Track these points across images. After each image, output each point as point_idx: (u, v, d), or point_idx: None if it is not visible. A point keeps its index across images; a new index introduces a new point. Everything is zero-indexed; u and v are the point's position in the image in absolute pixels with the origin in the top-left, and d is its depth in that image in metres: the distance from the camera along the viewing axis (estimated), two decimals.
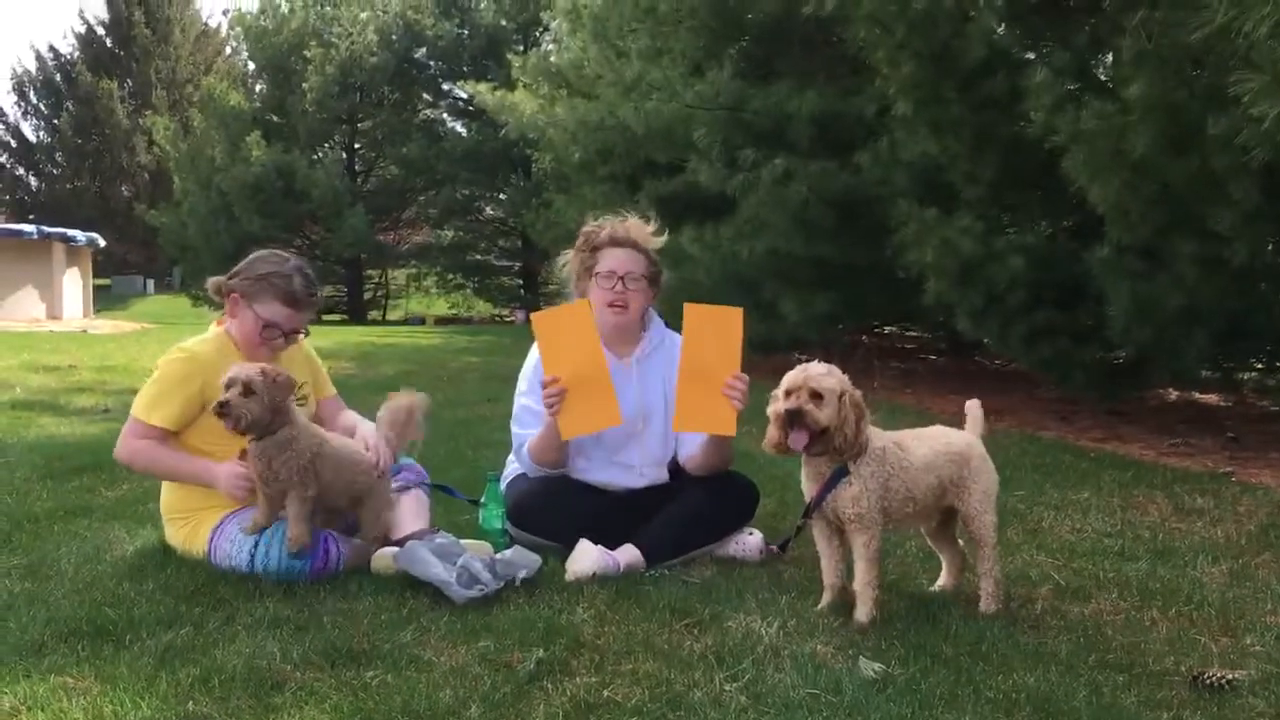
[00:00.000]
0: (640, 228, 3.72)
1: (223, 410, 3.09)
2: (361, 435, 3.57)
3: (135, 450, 3.38)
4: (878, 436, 2.99)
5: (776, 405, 2.92)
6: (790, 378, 2.94)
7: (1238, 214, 5.22)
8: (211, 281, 3.59)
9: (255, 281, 3.47)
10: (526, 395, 3.70)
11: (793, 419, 2.86)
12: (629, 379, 3.71)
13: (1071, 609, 3.09)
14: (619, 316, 3.67)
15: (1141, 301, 5.99)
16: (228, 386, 3.11)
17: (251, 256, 3.58)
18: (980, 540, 3.03)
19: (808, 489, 3.04)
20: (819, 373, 2.91)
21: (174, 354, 3.45)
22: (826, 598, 3.05)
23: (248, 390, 3.10)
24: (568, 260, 3.81)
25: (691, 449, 3.68)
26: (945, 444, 3.07)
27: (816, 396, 2.86)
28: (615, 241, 3.69)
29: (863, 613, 2.89)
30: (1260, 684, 2.51)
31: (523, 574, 3.22)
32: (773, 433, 2.95)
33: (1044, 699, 2.37)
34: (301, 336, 3.60)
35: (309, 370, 3.75)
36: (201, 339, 3.53)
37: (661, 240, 3.76)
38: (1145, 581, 3.32)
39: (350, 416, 3.81)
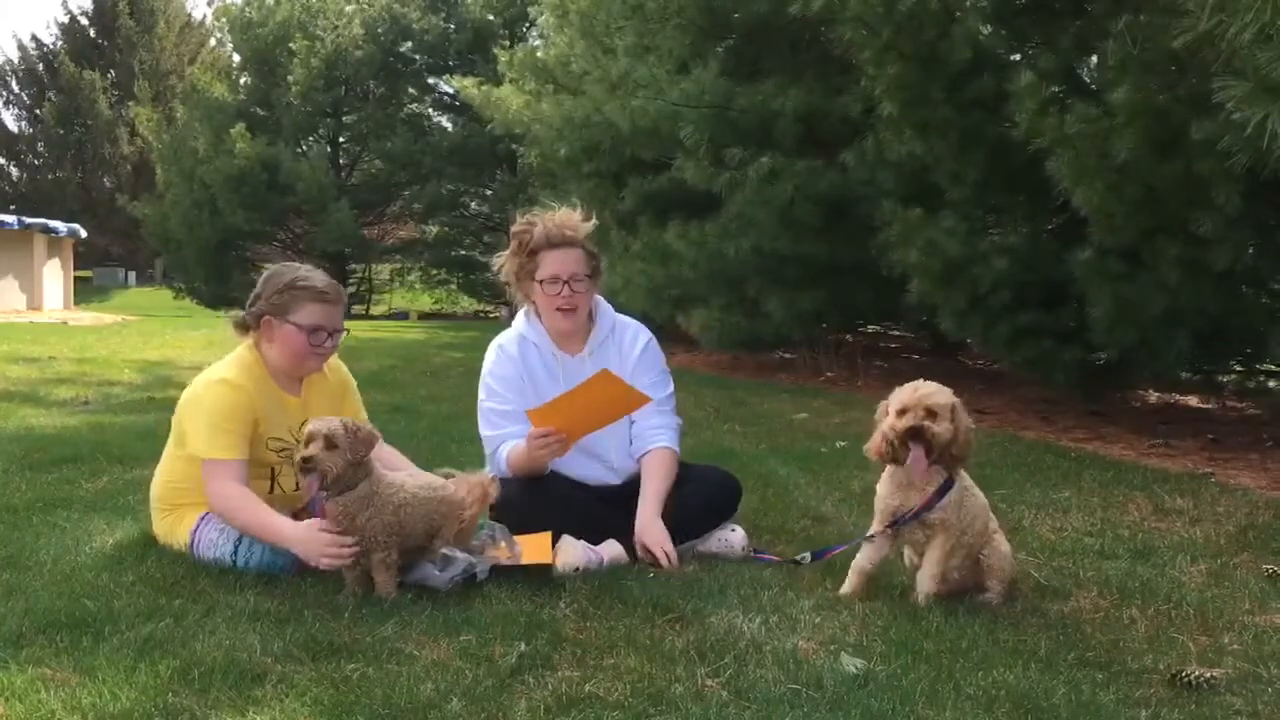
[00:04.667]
0: (570, 219, 3.66)
1: (306, 465, 2.92)
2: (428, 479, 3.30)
3: (228, 498, 3.20)
4: None
5: (893, 422, 2.91)
6: (902, 397, 2.94)
7: (1220, 218, 5.26)
8: (232, 316, 3.50)
9: (281, 294, 3.37)
10: (488, 400, 3.70)
11: (914, 435, 2.87)
12: (584, 373, 3.69)
13: (1051, 607, 3.10)
14: (569, 320, 3.67)
15: (1124, 303, 6.02)
16: (308, 441, 2.94)
17: (262, 279, 3.48)
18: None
19: (892, 496, 3.04)
20: (931, 390, 2.94)
21: (215, 386, 3.33)
22: (854, 582, 3.07)
23: (330, 444, 2.92)
24: (503, 263, 3.75)
25: (641, 446, 3.70)
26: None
27: (932, 414, 2.88)
28: (552, 243, 3.61)
29: (927, 590, 2.99)
30: (1238, 682, 2.53)
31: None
32: (882, 447, 2.96)
33: (1023, 696, 2.38)
34: (343, 335, 3.48)
35: (339, 398, 3.63)
36: (232, 365, 3.41)
37: (591, 225, 3.71)
38: (1125, 580, 3.33)
39: (388, 451, 3.63)
